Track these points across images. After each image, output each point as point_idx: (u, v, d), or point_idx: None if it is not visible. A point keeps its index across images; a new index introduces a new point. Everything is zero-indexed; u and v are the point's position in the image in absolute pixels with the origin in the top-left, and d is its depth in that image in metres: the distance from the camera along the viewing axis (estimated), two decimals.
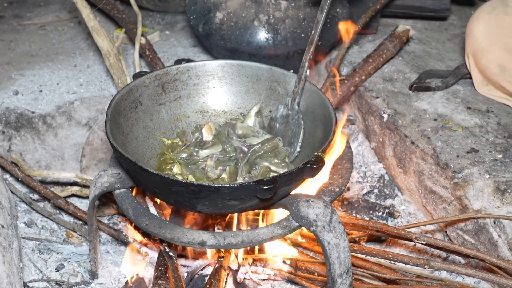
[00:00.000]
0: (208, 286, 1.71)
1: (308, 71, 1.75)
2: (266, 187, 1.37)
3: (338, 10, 2.34)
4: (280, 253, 1.87)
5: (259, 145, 1.74)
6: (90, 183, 1.85)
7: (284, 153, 1.75)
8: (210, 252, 1.86)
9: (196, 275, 1.88)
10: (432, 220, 1.88)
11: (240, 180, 1.66)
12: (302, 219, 1.51)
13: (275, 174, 1.63)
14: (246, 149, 1.74)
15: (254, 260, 1.88)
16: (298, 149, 1.74)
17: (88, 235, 1.83)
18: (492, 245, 1.78)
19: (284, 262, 1.87)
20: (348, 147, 1.80)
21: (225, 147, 1.76)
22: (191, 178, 1.67)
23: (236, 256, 1.85)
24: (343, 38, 2.16)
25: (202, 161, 1.73)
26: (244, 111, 1.89)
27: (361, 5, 2.50)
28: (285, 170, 1.66)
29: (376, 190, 2.23)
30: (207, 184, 1.40)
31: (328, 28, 2.29)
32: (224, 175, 1.68)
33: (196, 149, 1.77)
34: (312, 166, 1.45)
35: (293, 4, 2.25)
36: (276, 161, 1.71)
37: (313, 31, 1.74)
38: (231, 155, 1.74)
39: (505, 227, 1.74)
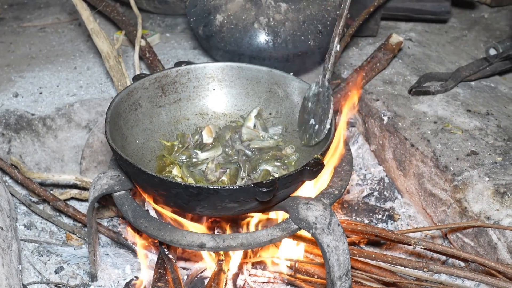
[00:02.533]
0: None
1: (338, 46, 1.70)
2: (265, 190, 1.37)
3: (338, 12, 2.34)
4: (279, 255, 1.86)
5: (265, 151, 1.74)
6: (90, 185, 1.85)
7: (292, 159, 1.75)
8: (210, 255, 1.86)
9: (196, 278, 1.88)
10: (430, 227, 1.89)
11: (239, 182, 1.66)
12: (301, 221, 1.51)
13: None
14: (249, 153, 1.74)
15: (253, 263, 1.88)
16: (328, 126, 1.67)
17: (87, 238, 1.83)
18: (492, 248, 1.78)
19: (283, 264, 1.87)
20: (347, 149, 1.80)
21: (226, 150, 1.76)
22: (190, 180, 1.67)
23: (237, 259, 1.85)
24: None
25: (202, 163, 1.73)
26: (244, 113, 1.89)
27: (362, 6, 2.50)
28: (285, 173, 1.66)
29: (376, 193, 2.23)
30: (206, 186, 1.40)
31: (328, 30, 2.29)
32: (224, 178, 1.68)
33: (196, 151, 1.77)
34: (312, 168, 1.45)
35: (293, 7, 2.25)
36: (277, 163, 1.71)
37: (342, 5, 1.69)
38: (233, 157, 1.74)
39: (505, 230, 1.74)
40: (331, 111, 1.67)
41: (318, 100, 1.73)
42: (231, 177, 1.68)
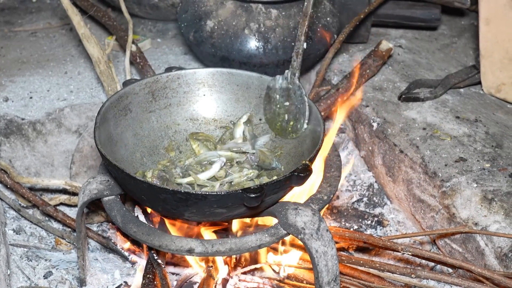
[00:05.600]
0: None
1: (305, 44, 1.78)
2: (253, 195, 1.38)
3: (328, 19, 2.36)
4: (268, 261, 1.87)
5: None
6: (79, 190, 1.85)
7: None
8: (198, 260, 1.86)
9: (185, 283, 1.88)
10: (418, 233, 1.90)
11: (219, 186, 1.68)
12: (290, 227, 1.52)
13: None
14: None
15: (242, 268, 1.88)
16: (305, 125, 1.76)
17: (76, 242, 1.82)
18: (479, 254, 1.79)
19: (273, 270, 1.87)
20: (337, 155, 1.81)
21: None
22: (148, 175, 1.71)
23: (226, 264, 1.85)
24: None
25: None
26: (234, 119, 1.90)
27: (352, 14, 2.52)
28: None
29: (365, 199, 2.24)
30: (194, 192, 1.41)
31: (318, 36, 2.30)
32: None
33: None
34: (300, 174, 1.45)
35: (283, 13, 2.26)
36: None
37: (305, 3, 1.75)
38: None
39: (492, 236, 1.75)
40: (307, 112, 1.76)
41: (289, 96, 1.80)
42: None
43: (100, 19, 2.65)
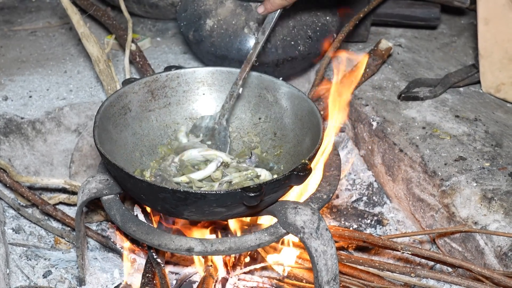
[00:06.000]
0: None
1: (241, 90, 1.80)
2: (252, 194, 1.38)
3: (328, 18, 2.35)
4: (268, 260, 1.87)
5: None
6: (78, 189, 1.85)
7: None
8: (197, 260, 1.86)
9: (185, 282, 1.87)
10: (418, 232, 1.90)
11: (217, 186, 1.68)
12: (289, 226, 1.52)
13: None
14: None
15: (242, 267, 1.88)
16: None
17: (76, 242, 1.82)
18: (479, 253, 1.79)
19: (272, 268, 1.87)
20: (336, 154, 1.80)
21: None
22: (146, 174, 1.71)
23: (225, 263, 1.85)
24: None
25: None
26: (234, 118, 1.90)
27: (351, 14, 2.52)
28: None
29: (365, 198, 2.23)
30: (193, 191, 1.41)
31: (318, 36, 2.30)
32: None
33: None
34: (299, 173, 1.45)
35: (283, 12, 2.25)
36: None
37: (251, 51, 1.77)
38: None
39: (492, 235, 1.75)
40: (227, 152, 1.80)
41: (213, 136, 1.83)
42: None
43: (99, 18, 2.64)
